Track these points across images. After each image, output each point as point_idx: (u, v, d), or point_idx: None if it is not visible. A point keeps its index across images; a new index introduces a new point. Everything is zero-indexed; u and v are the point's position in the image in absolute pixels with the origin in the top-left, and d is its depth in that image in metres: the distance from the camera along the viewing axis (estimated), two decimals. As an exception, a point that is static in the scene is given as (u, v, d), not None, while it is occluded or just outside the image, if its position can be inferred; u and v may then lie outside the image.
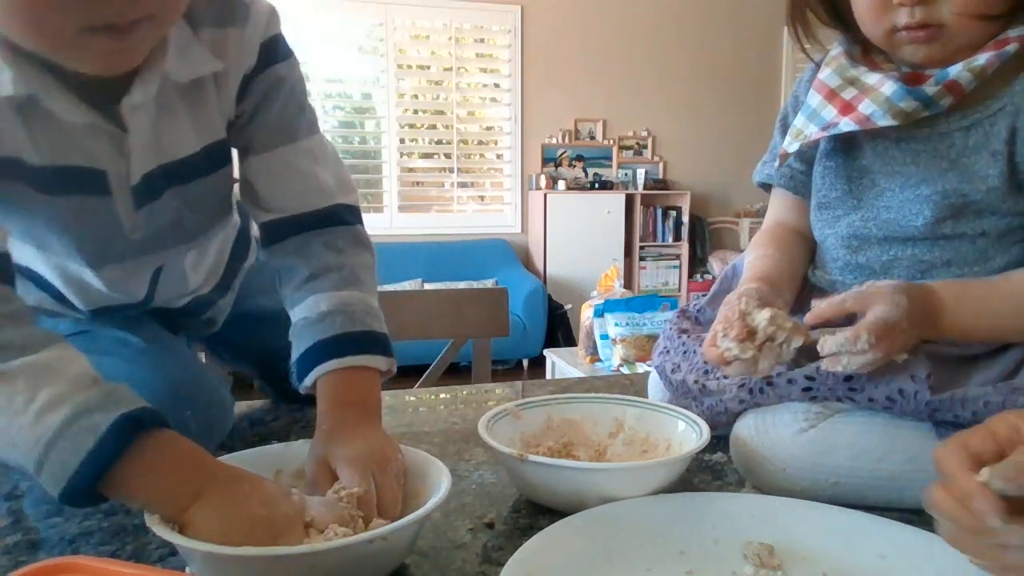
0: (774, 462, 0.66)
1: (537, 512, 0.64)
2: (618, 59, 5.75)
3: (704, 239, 5.96)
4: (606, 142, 5.82)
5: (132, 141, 0.63)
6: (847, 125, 0.72)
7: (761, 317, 0.64)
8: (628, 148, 5.91)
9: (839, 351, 0.61)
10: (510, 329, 1.42)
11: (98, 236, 0.70)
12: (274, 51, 0.71)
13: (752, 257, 0.82)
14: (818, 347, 0.63)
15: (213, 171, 0.73)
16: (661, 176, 5.92)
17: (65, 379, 0.52)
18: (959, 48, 0.68)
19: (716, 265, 5.76)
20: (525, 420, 0.74)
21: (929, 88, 0.68)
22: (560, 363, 3.07)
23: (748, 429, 0.69)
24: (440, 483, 0.56)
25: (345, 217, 0.76)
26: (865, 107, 0.71)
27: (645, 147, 5.93)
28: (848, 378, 0.65)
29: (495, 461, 0.75)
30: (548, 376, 3.19)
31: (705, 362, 0.75)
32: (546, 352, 3.35)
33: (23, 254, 0.74)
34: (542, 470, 0.61)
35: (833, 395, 0.66)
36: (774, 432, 0.67)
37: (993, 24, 0.67)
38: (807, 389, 0.67)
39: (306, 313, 0.71)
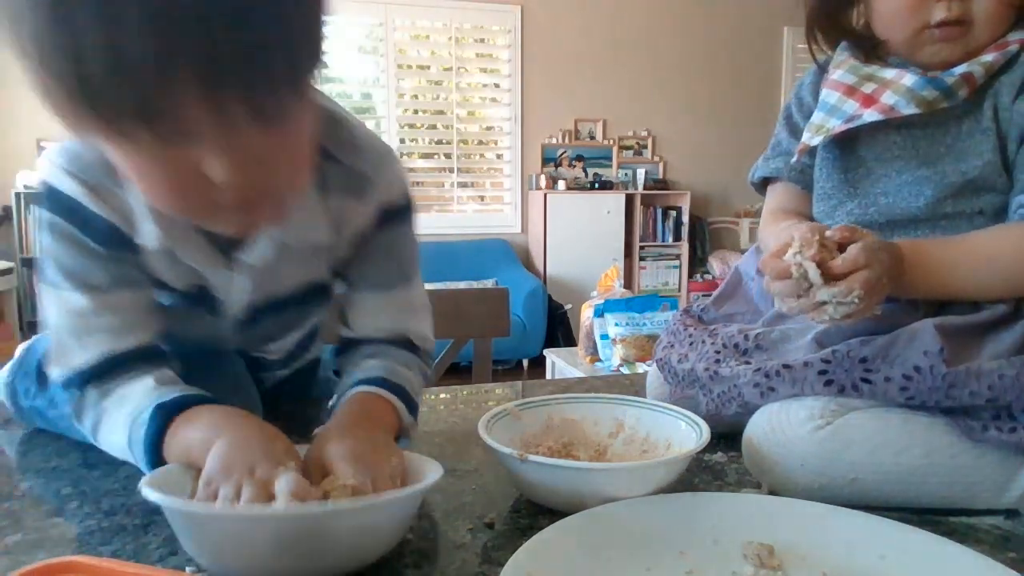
0: (791, 459, 0.65)
1: (537, 512, 0.64)
2: (618, 59, 5.76)
3: (704, 239, 5.96)
4: (606, 142, 5.83)
5: (243, 284, 0.71)
6: (871, 116, 0.75)
7: (854, 248, 0.64)
8: (628, 148, 5.91)
9: (830, 300, 0.63)
10: (510, 329, 1.42)
11: (201, 336, 0.79)
12: (393, 214, 0.74)
13: (783, 226, 0.84)
14: (811, 292, 0.64)
15: (311, 304, 0.80)
16: (661, 176, 5.93)
17: (134, 401, 0.64)
18: (978, 48, 0.73)
19: (716, 265, 5.76)
20: (525, 420, 0.74)
21: (947, 78, 0.72)
22: (560, 363, 3.07)
23: (761, 429, 0.68)
24: (431, 476, 0.56)
25: (414, 349, 0.78)
26: (888, 98, 0.74)
27: (645, 147, 5.94)
28: (863, 359, 0.65)
29: (495, 461, 0.75)
30: (548, 376, 3.20)
31: (715, 348, 0.76)
32: (546, 352, 3.35)
33: None
34: (542, 470, 0.61)
35: (849, 377, 0.65)
36: (789, 430, 0.66)
37: (1013, 17, 0.72)
38: (823, 372, 0.67)
39: (352, 372, 0.75)
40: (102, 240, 0.65)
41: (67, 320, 0.66)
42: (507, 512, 0.64)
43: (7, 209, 4.79)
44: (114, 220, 0.65)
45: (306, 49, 0.52)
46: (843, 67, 0.81)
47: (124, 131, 0.46)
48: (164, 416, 0.61)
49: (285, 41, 0.48)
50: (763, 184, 0.94)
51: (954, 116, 0.74)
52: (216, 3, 0.43)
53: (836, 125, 0.78)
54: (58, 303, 0.66)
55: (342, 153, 0.70)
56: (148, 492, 0.50)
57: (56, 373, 0.67)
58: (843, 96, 0.78)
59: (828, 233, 0.66)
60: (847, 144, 0.81)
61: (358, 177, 0.71)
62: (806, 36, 0.85)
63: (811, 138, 0.81)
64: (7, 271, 4.27)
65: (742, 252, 4.68)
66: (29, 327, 4.75)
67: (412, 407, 0.72)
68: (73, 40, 0.42)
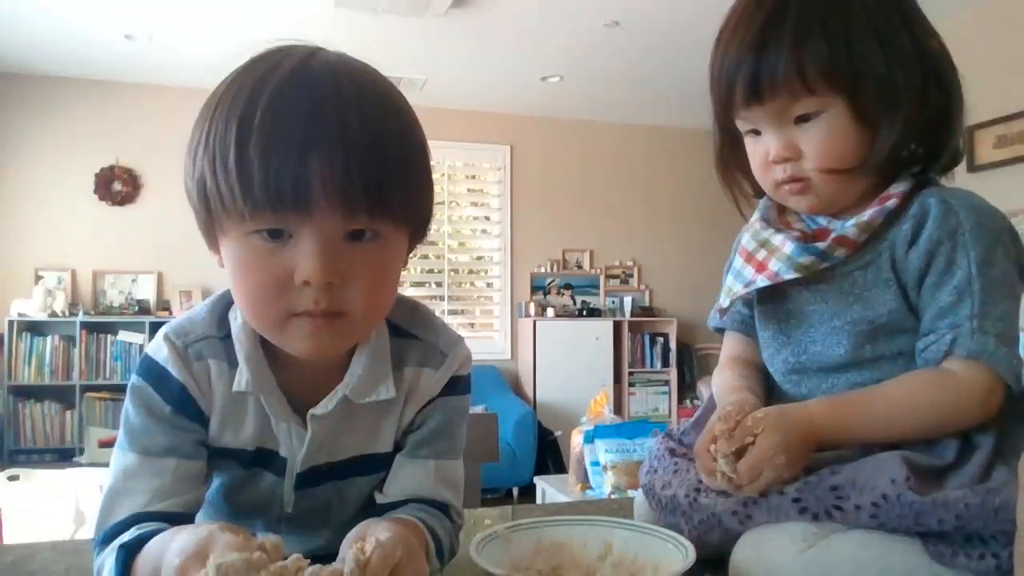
0: None
1: (527, 635, 0.64)
2: (604, 192, 6.01)
3: (692, 365, 6.00)
4: (593, 271, 5.98)
5: (309, 440, 0.74)
6: (762, 281, 0.83)
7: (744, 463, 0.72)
8: (615, 277, 6.06)
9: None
10: (500, 456, 1.43)
11: (260, 503, 0.80)
12: (454, 386, 0.81)
13: (724, 378, 0.90)
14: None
15: (372, 473, 0.81)
16: (647, 303, 6.04)
17: (115, 548, 0.64)
18: (831, 198, 0.80)
19: (705, 391, 5.77)
20: (515, 543, 0.75)
21: (821, 244, 0.79)
22: (550, 490, 3.02)
23: (747, 556, 0.70)
24: None
25: (451, 518, 0.79)
26: (773, 264, 0.82)
27: (631, 275, 6.09)
28: (834, 487, 0.68)
29: (485, 585, 0.75)
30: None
31: (697, 477, 0.78)
32: (536, 479, 3.30)
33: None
34: (531, 591, 0.62)
35: (821, 504, 0.68)
36: (775, 556, 0.67)
37: (850, 177, 0.78)
38: (797, 500, 0.69)
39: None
40: (172, 400, 0.70)
41: (115, 481, 0.69)
42: (497, 636, 0.64)
43: (-1, 336, 4.81)
44: (189, 385, 0.71)
45: (419, 210, 0.67)
46: (749, 231, 0.89)
47: (259, 208, 0.59)
48: (127, 555, 0.62)
49: (406, 183, 0.63)
50: (721, 331, 1.00)
51: (858, 267, 0.79)
52: (364, 127, 0.60)
53: (739, 289, 0.86)
54: (115, 464, 0.70)
55: (421, 332, 0.79)
56: None
57: (94, 537, 0.69)
58: (744, 262, 0.87)
59: (720, 445, 0.73)
60: (777, 298, 0.86)
61: (435, 351, 0.79)
62: (727, 194, 0.92)
63: (724, 299, 0.89)
64: (-8, 399, 4.24)
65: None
66: (10, 456, 4.64)
67: (439, 554, 0.72)
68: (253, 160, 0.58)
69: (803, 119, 0.77)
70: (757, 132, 0.81)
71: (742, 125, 0.83)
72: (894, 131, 0.76)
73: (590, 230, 5.99)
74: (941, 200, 0.76)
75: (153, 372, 0.71)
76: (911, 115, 0.75)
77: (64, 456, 4.72)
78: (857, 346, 0.78)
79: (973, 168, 3.95)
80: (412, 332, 0.79)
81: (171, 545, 0.56)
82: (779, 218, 0.88)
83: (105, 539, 0.67)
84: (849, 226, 0.78)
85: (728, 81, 0.78)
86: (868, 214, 0.78)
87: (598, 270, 6.00)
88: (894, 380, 0.76)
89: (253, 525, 0.83)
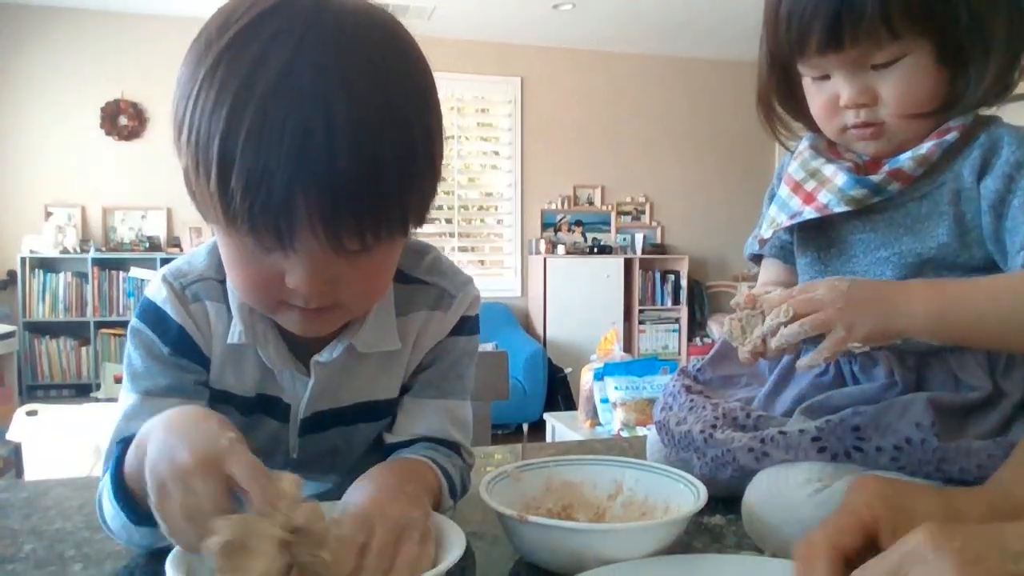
0: (791, 524, 0.66)
1: (537, 575, 0.64)
2: (616, 127, 5.90)
3: (703, 302, 6.00)
4: (604, 207, 5.92)
5: (313, 387, 0.74)
6: (810, 213, 0.80)
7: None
8: (626, 213, 6.00)
9: (773, 322, 0.69)
10: (510, 392, 1.43)
11: (265, 449, 0.79)
12: (462, 326, 0.80)
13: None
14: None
15: (377, 420, 0.81)
16: (659, 241, 6.00)
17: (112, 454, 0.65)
18: (903, 142, 0.76)
19: (715, 328, 5.77)
20: (525, 482, 0.75)
21: (875, 177, 0.76)
22: (560, 427, 3.05)
23: (760, 494, 0.69)
24: (450, 551, 0.57)
25: (461, 457, 0.79)
26: (823, 197, 0.79)
27: (643, 212, 6.03)
28: (856, 428, 0.67)
29: (495, 523, 0.75)
30: (548, 440, 3.17)
31: (713, 414, 0.77)
32: (546, 416, 3.34)
33: None
34: (541, 531, 0.62)
35: (842, 445, 0.67)
36: (789, 494, 0.67)
37: (928, 120, 0.75)
38: (816, 439, 0.68)
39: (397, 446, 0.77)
40: (170, 342, 0.70)
41: (119, 424, 0.70)
42: (507, 575, 0.65)
43: (12, 273, 4.83)
44: (187, 326, 0.71)
45: (419, 211, 0.62)
46: (798, 160, 0.85)
47: (243, 232, 0.55)
48: (123, 448, 0.62)
49: (404, 201, 0.59)
50: (757, 259, 0.97)
51: (913, 199, 0.77)
52: (355, 158, 0.53)
53: (784, 220, 0.83)
54: (119, 407, 0.71)
55: (428, 276, 0.78)
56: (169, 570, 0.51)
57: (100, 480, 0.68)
58: (791, 192, 0.83)
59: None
60: (821, 225, 0.84)
61: (444, 294, 0.78)
62: (765, 123, 0.87)
63: (766, 230, 0.86)
64: (9, 335, 4.29)
65: (741, 316, 4.70)
66: (28, 391, 4.73)
67: (452, 492, 0.73)
68: (241, 162, 0.51)
69: (883, 66, 0.73)
70: (825, 76, 0.77)
71: (809, 71, 0.78)
72: (987, 74, 0.72)
73: (601, 166, 5.90)
74: (1012, 130, 0.74)
75: (151, 314, 0.71)
76: (1005, 57, 0.72)
77: (81, 391, 4.81)
78: (900, 278, 0.76)
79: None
80: (419, 277, 0.78)
81: (171, 428, 0.55)
82: (829, 148, 0.84)
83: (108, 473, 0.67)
84: (904, 159, 0.75)
85: (801, 25, 0.73)
86: (925, 147, 0.75)
87: (609, 207, 5.94)
88: (992, 276, 0.71)
89: None
